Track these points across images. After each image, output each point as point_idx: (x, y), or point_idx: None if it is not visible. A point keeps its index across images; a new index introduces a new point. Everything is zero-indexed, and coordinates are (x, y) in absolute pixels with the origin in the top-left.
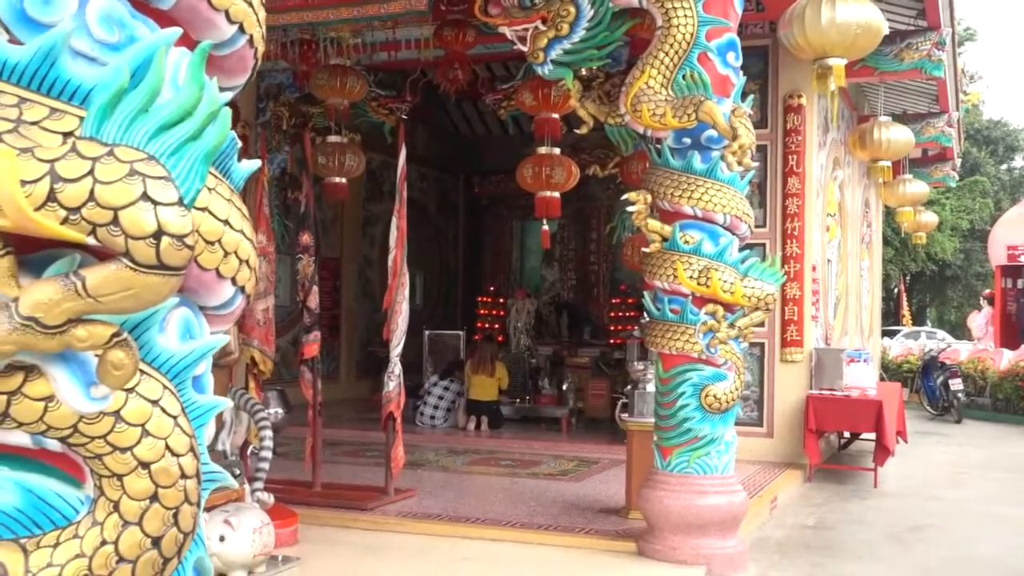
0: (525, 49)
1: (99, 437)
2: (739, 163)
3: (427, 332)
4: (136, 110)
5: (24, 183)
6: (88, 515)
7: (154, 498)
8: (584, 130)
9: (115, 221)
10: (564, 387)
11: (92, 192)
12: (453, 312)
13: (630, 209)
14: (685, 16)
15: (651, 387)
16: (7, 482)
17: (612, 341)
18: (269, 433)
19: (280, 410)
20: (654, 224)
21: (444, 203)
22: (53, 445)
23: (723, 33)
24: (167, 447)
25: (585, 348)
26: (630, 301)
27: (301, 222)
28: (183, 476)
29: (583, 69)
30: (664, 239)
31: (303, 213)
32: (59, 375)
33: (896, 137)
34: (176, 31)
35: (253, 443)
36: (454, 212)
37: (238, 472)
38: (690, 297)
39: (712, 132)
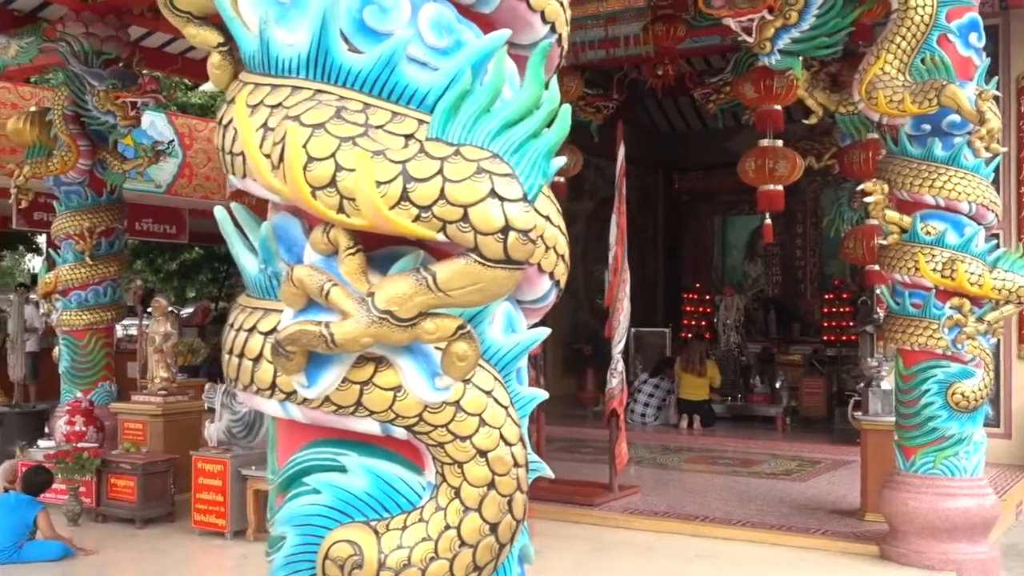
0: (750, 40)
1: (442, 426)
2: (987, 149)
3: (632, 330)
4: (479, 110)
5: (379, 183)
6: (431, 500)
7: (491, 485)
8: (813, 120)
9: (465, 217)
10: (777, 385)
11: (442, 190)
12: (654, 309)
13: (868, 200)
14: None
15: (886, 384)
16: (358, 467)
17: (825, 338)
18: None
19: None
20: (892, 215)
21: (644, 200)
22: (400, 433)
23: (964, 13)
24: (501, 436)
25: (796, 345)
26: (844, 296)
27: None
28: (515, 464)
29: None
30: (903, 230)
31: None
32: (406, 366)
33: None
34: (507, 32)
35: None
36: (653, 209)
37: None
38: (933, 291)
39: (955, 117)
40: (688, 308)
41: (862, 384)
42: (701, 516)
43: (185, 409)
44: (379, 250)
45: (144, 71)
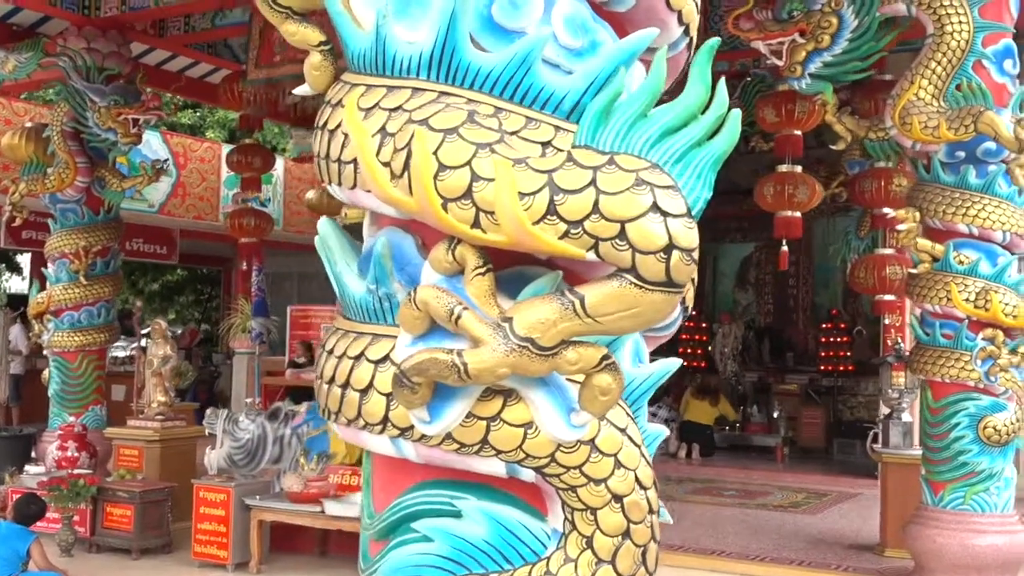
0: (780, 63)
1: (575, 467)
2: None
3: None
4: (635, 115)
5: (522, 195)
6: (559, 551)
7: (626, 535)
8: (841, 145)
9: (622, 234)
10: (775, 415)
11: (596, 203)
12: None
13: (900, 228)
14: (960, 22)
15: (906, 416)
16: (477, 513)
17: (822, 367)
18: None
19: None
20: (924, 243)
21: None
22: (527, 475)
23: (999, 39)
24: (636, 479)
25: (792, 374)
26: (842, 326)
27: None
28: (650, 511)
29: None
30: (935, 259)
31: None
32: (540, 400)
33: None
34: (654, 32)
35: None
36: None
37: None
38: (966, 321)
39: (990, 145)
40: (684, 336)
41: (882, 416)
42: (718, 551)
43: (182, 435)
44: (503, 271)
45: (147, 89)
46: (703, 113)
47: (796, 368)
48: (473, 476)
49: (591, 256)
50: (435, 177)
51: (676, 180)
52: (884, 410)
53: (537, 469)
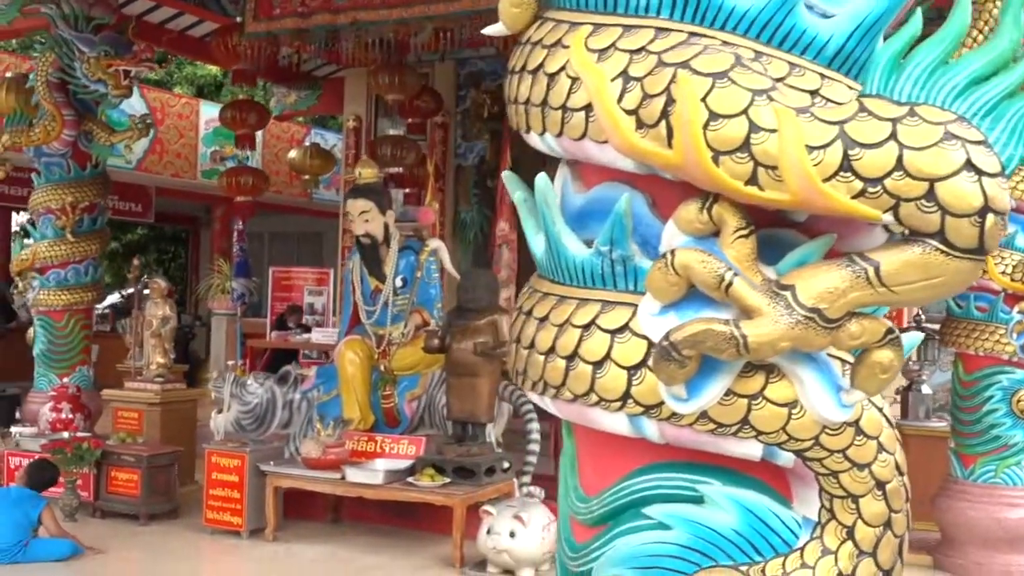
0: None
1: (838, 451)
2: None
3: None
4: (936, 62)
5: (810, 149)
6: (814, 541)
7: (887, 525)
8: None
9: (929, 194)
10: None
11: (900, 160)
12: None
13: None
14: None
15: (926, 388)
16: (724, 499)
17: None
18: (536, 426)
19: None
20: None
21: None
22: (784, 459)
23: None
24: (896, 464)
25: None
26: None
27: None
28: (907, 499)
29: None
30: None
31: None
32: (807, 377)
33: None
34: None
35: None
36: None
37: (507, 465)
38: (1001, 294)
39: None
40: None
41: (902, 387)
42: None
43: (183, 398)
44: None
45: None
46: (1015, 61)
47: None
48: (714, 458)
49: (887, 218)
50: (705, 127)
51: (987, 135)
52: (903, 382)
53: (798, 452)
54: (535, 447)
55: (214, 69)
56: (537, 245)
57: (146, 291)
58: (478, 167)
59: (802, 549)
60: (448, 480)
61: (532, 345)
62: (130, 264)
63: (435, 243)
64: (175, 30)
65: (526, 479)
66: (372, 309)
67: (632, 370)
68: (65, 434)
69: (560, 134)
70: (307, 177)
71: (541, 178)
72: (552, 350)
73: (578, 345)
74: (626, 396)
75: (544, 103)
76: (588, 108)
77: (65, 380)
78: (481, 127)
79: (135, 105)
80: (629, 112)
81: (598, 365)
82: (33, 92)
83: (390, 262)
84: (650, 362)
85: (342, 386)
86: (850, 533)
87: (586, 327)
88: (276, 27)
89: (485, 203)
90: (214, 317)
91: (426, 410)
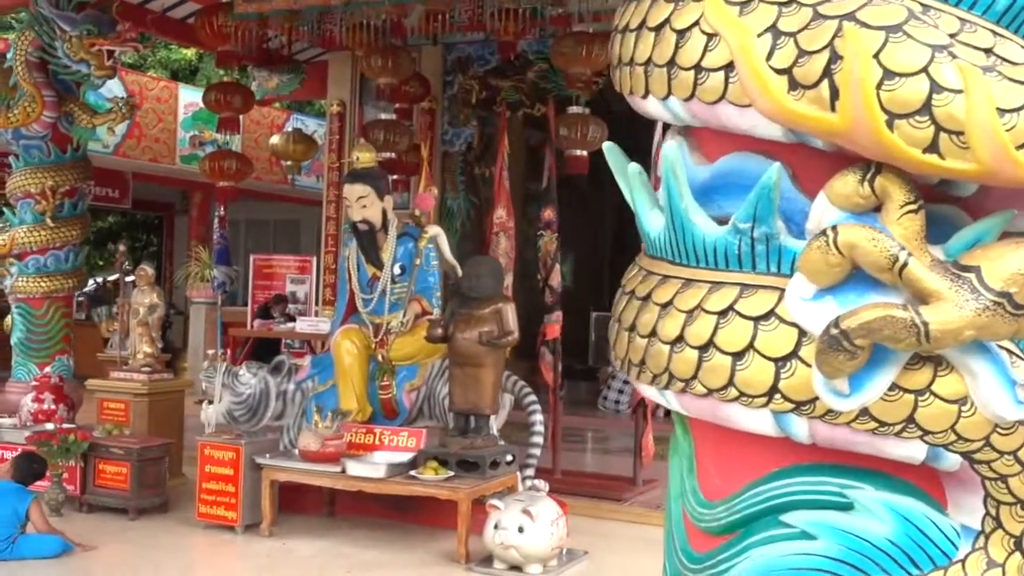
0: None
1: (1009, 453)
2: None
3: (594, 314)
4: None
5: (1001, 112)
6: (977, 552)
7: None
8: None
9: None
10: None
11: None
12: (601, 292)
13: None
14: None
15: None
16: (878, 505)
17: None
18: (540, 418)
19: None
20: None
21: (594, 181)
22: (950, 462)
23: None
24: None
25: None
26: None
27: (544, 197)
28: None
29: None
30: None
31: (545, 188)
32: (981, 370)
33: None
34: None
35: None
36: (603, 190)
37: (511, 458)
38: None
39: None
40: None
41: None
42: None
43: (170, 388)
44: None
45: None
46: None
47: None
48: (864, 460)
49: None
50: (878, 87)
51: None
52: None
53: (965, 454)
54: (539, 439)
55: (189, 53)
56: (652, 222)
57: (128, 278)
58: (465, 154)
59: (963, 561)
60: (452, 474)
61: (654, 333)
62: (102, 252)
63: (434, 230)
64: (158, 11)
65: (529, 472)
66: (369, 297)
67: (780, 361)
68: (49, 425)
69: (690, 98)
70: (289, 163)
71: (671, 147)
72: (680, 339)
73: (714, 334)
74: (773, 391)
75: (671, 63)
76: (728, 68)
77: (47, 370)
78: (469, 113)
79: (112, 88)
80: (780, 71)
81: (739, 356)
82: (11, 72)
83: (388, 249)
84: (802, 352)
85: (339, 377)
86: (1018, 544)
87: (722, 314)
88: (266, 8)
89: (472, 191)
90: (193, 306)
91: (425, 401)
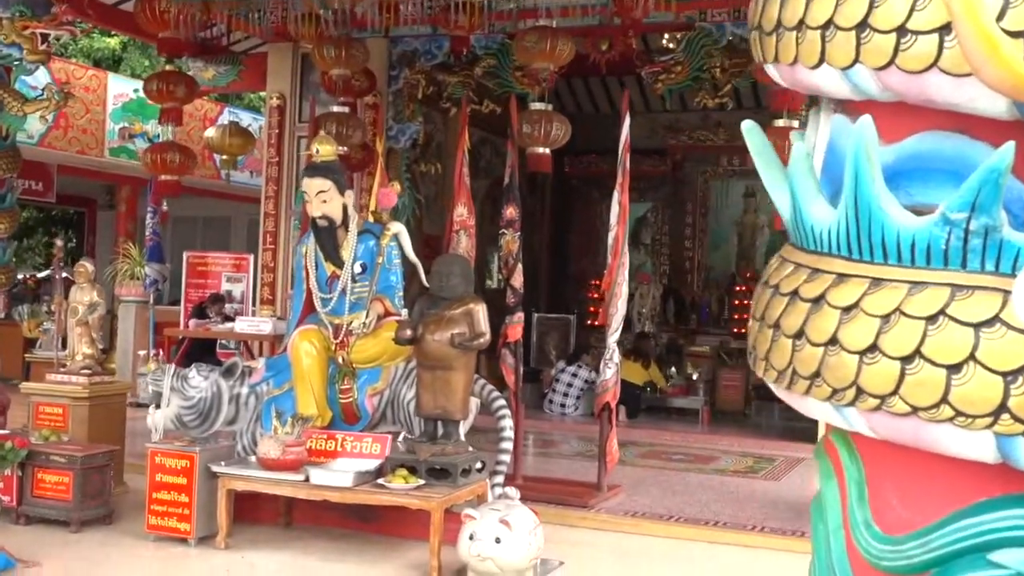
0: None
1: None
2: None
3: (536, 315)
4: None
5: None
6: None
7: None
8: None
9: None
10: (695, 377)
11: None
12: (537, 294)
13: None
14: None
15: None
16: None
17: (736, 330)
18: (509, 423)
19: None
20: None
21: (532, 182)
22: None
23: None
24: None
25: (703, 336)
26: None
27: (506, 195)
28: None
29: None
30: None
31: (507, 185)
32: None
33: None
34: None
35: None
36: (541, 192)
37: (481, 465)
38: None
39: None
40: (594, 295)
41: None
42: (712, 521)
43: (112, 392)
44: None
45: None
46: None
47: (706, 331)
48: None
49: None
50: None
51: None
52: None
53: None
54: (508, 445)
55: (112, 42)
56: (818, 213)
57: (61, 276)
58: (410, 151)
59: None
60: (422, 482)
61: (834, 341)
62: (17, 248)
63: (396, 227)
64: None
65: (499, 479)
66: (328, 297)
67: (1010, 376)
68: None
69: (886, 66)
70: (224, 157)
71: (865, 123)
72: (874, 348)
73: (921, 342)
74: (1001, 409)
75: (862, 25)
76: (943, 31)
77: None
78: (415, 109)
79: (38, 76)
80: (1014, 35)
81: (955, 369)
82: None
83: (348, 246)
84: None
85: (296, 380)
86: None
87: (931, 319)
88: None
89: (416, 188)
90: (122, 304)
91: (389, 405)
